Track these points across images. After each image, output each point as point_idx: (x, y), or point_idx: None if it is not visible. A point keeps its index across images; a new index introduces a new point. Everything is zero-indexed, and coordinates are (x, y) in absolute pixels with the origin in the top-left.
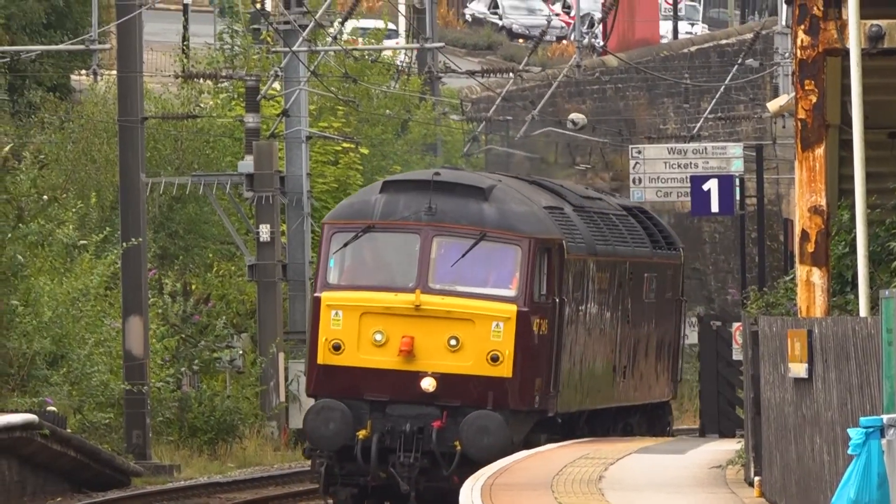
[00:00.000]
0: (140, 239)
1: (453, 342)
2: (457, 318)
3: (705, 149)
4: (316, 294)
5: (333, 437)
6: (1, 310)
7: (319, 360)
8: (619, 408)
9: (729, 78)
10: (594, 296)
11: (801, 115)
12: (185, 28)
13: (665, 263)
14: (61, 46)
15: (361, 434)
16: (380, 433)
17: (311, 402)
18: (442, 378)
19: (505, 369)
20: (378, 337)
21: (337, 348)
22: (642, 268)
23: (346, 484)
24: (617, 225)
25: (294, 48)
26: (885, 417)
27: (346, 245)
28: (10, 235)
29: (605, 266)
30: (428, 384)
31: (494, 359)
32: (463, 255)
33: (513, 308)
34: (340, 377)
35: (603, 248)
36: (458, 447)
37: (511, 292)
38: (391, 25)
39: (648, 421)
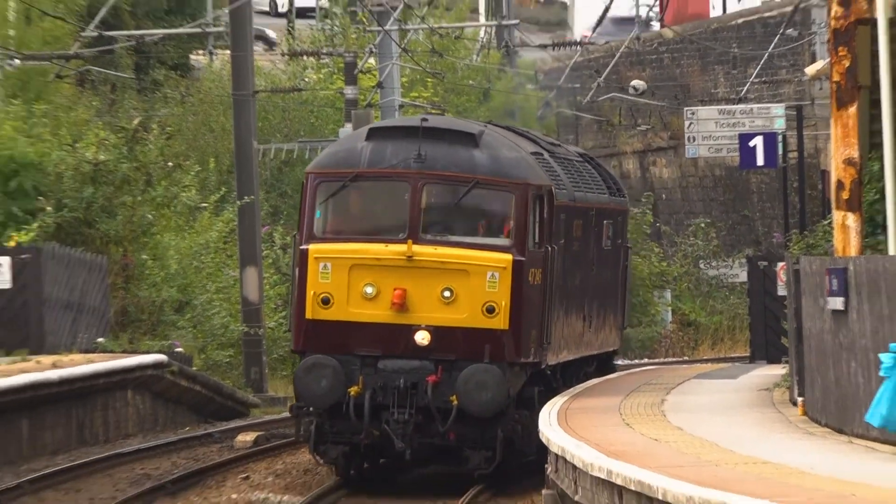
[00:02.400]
0: (253, 197)
1: (447, 294)
2: (450, 269)
3: (751, 109)
4: (302, 247)
5: (326, 394)
6: (133, 264)
7: (308, 315)
8: (582, 358)
9: (772, 46)
10: (573, 244)
11: (836, 78)
12: (291, 11)
13: (617, 210)
14: (181, 30)
15: (353, 390)
16: (372, 389)
17: None
18: (436, 331)
19: (501, 321)
20: (369, 290)
21: (326, 302)
22: (603, 214)
23: (337, 442)
24: (582, 172)
25: (386, 27)
26: None
27: (332, 195)
28: (139, 198)
29: (580, 213)
30: (421, 338)
31: (490, 310)
32: (455, 203)
33: (508, 257)
34: (330, 332)
35: (579, 194)
36: (455, 402)
37: (506, 241)
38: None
39: (600, 370)
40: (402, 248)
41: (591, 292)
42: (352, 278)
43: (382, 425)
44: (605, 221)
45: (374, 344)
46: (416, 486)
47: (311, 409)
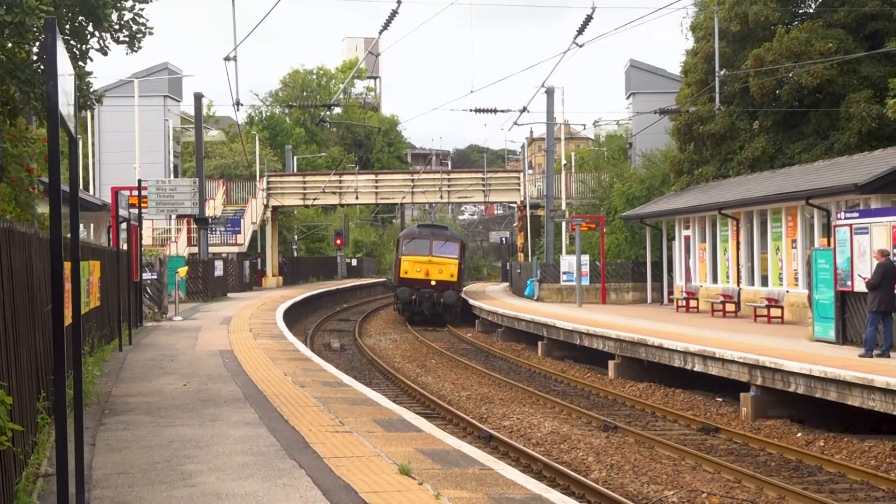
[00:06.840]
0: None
1: (440, 270)
2: (442, 263)
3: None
4: (398, 257)
5: (406, 297)
6: (378, 262)
7: (401, 276)
8: (463, 288)
9: (506, 220)
10: (464, 255)
11: (518, 227)
12: (412, 207)
13: (464, 246)
14: (383, 215)
15: (413, 297)
16: (419, 297)
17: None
18: (437, 282)
19: (455, 278)
20: (418, 269)
21: (406, 272)
22: (464, 247)
23: (408, 311)
24: (458, 232)
25: (431, 216)
26: (533, 279)
27: (408, 243)
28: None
29: (464, 247)
30: (434, 283)
31: (452, 275)
32: (442, 245)
33: (457, 260)
34: (407, 281)
35: (463, 240)
36: (443, 301)
37: (456, 255)
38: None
39: (462, 291)
40: (428, 257)
41: (466, 269)
42: (413, 265)
43: (421, 307)
44: (464, 249)
45: (419, 285)
46: (431, 323)
47: (400, 301)
